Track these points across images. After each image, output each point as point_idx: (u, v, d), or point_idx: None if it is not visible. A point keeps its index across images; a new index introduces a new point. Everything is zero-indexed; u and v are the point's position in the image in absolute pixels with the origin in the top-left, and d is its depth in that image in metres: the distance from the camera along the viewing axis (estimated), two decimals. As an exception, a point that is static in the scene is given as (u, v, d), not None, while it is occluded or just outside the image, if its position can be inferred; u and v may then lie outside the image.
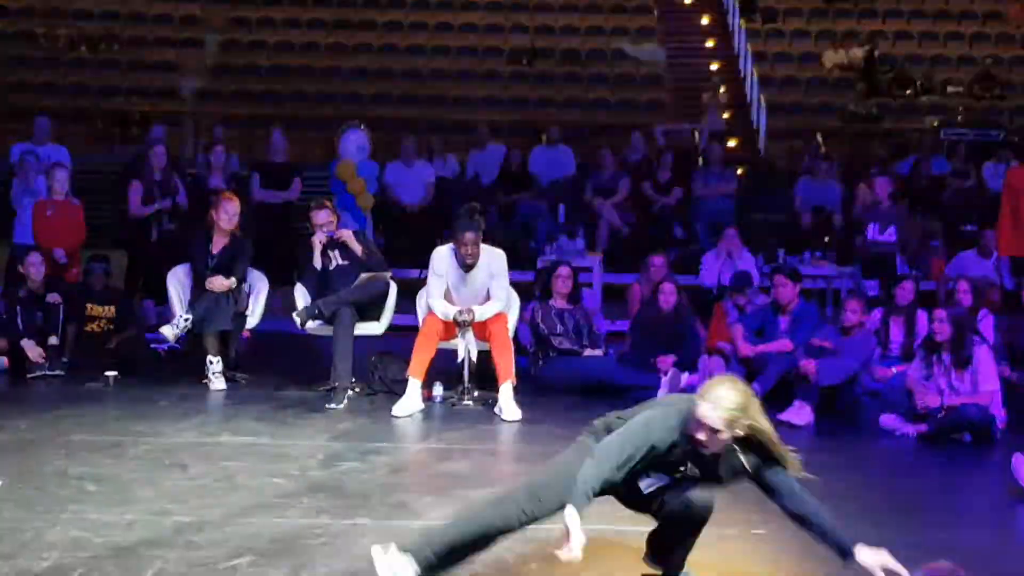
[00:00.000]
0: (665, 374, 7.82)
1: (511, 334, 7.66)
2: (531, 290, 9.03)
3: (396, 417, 7.05)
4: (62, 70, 15.93)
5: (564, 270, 8.50)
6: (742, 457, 3.86)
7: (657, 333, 8.21)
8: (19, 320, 8.27)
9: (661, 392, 7.63)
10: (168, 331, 7.82)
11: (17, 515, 4.79)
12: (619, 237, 11.67)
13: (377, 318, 8.03)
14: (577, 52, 16.72)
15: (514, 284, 7.88)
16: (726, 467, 3.92)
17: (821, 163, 12.24)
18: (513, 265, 7.84)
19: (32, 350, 8.07)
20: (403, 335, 7.98)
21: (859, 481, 5.93)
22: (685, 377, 7.94)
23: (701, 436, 3.75)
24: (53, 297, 8.36)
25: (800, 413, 7.16)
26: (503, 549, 4.16)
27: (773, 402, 7.37)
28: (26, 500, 5.02)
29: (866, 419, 7.37)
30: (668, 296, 8.27)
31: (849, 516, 5.17)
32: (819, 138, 14.30)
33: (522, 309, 8.20)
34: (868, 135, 15.64)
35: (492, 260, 7.51)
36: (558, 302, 8.39)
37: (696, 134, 14.24)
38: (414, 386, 7.21)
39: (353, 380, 7.57)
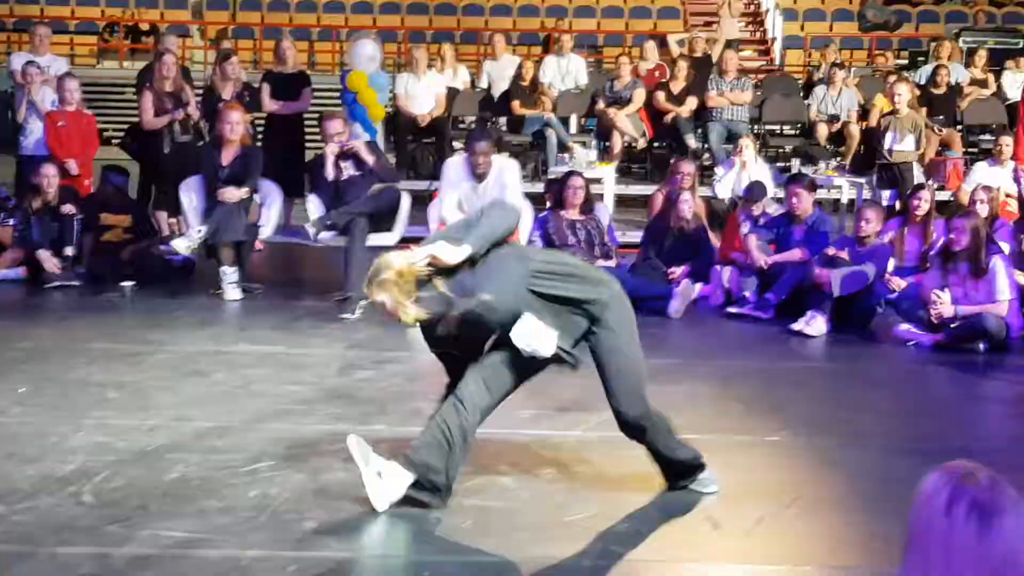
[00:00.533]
0: (677, 284, 7.81)
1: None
2: (543, 201, 8.99)
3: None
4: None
5: (576, 180, 8.45)
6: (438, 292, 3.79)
7: (670, 243, 8.19)
8: (35, 231, 8.29)
9: (673, 303, 7.65)
10: (181, 244, 7.82)
11: (41, 420, 4.86)
12: (632, 148, 11.59)
13: (390, 228, 8.02)
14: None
15: (526, 195, 7.85)
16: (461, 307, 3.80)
17: (838, 71, 12.09)
18: (524, 176, 7.78)
19: (49, 260, 8.10)
20: (416, 245, 7.96)
21: (875, 390, 5.97)
22: (698, 288, 7.94)
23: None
24: (68, 208, 8.36)
25: (814, 323, 7.17)
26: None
27: (787, 312, 7.42)
28: (49, 406, 5.09)
29: (881, 329, 7.37)
30: (685, 205, 8.23)
31: (865, 423, 5.24)
32: (836, 46, 14.10)
33: (534, 220, 8.17)
34: (886, 42, 15.43)
35: (504, 170, 7.48)
36: (570, 213, 8.35)
37: (711, 43, 14.03)
38: (429, 296, 7.21)
39: (367, 290, 7.59)
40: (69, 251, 8.22)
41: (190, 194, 8.27)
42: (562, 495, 4.17)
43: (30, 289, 8.08)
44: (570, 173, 8.82)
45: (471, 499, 4.07)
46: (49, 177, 8.48)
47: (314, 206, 8.03)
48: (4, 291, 8.05)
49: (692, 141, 11.48)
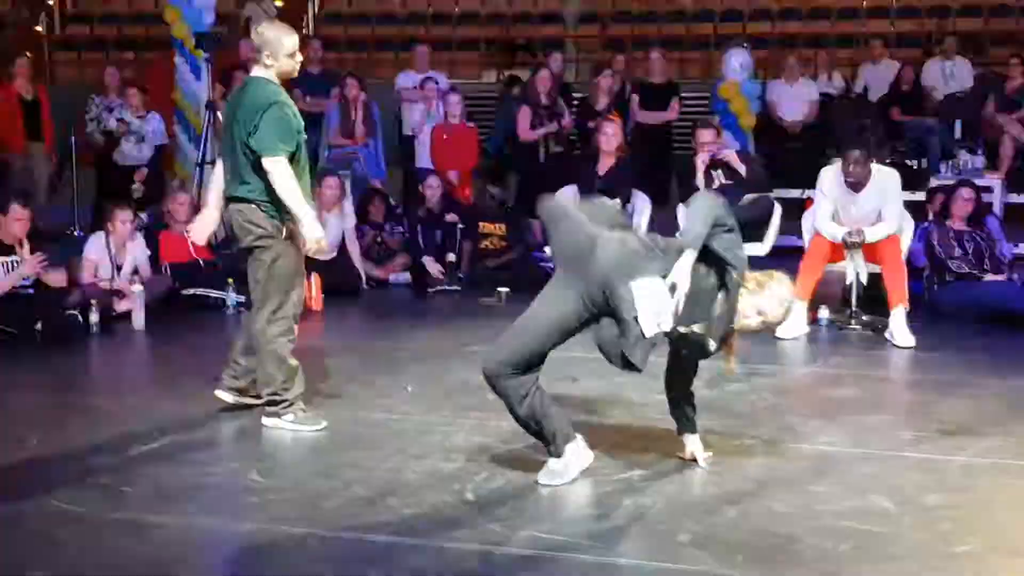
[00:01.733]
0: (1081, 302, 7.18)
1: (903, 256, 7.31)
2: (924, 210, 8.55)
3: (781, 339, 6.92)
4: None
5: (966, 191, 7.97)
6: None
7: (1071, 257, 7.55)
8: (420, 239, 8.82)
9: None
10: (554, 251, 8.06)
11: (426, 419, 5.14)
12: (1025, 154, 10.79)
13: (760, 239, 7.90)
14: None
15: (905, 204, 7.51)
16: None
17: None
18: (904, 185, 7.45)
19: (432, 266, 8.61)
20: (787, 256, 7.79)
21: None
22: (1105, 307, 7.27)
23: None
24: (451, 216, 8.86)
25: None
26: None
27: None
28: (433, 406, 5.38)
29: None
30: (1087, 217, 7.56)
31: None
32: None
33: (915, 230, 7.79)
34: None
35: (883, 180, 7.20)
36: (956, 224, 7.89)
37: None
38: (800, 308, 7.04)
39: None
40: (451, 257, 8.70)
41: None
42: (947, 523, 3.91)
43: (415, 293, 8.62)
44: (960, 183, 8.34)
45: (848, 521, 3.91)
46: (433, 187, 9.01)
47: (683, 216, 8.03)
48: (393, 295, 8.64)
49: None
